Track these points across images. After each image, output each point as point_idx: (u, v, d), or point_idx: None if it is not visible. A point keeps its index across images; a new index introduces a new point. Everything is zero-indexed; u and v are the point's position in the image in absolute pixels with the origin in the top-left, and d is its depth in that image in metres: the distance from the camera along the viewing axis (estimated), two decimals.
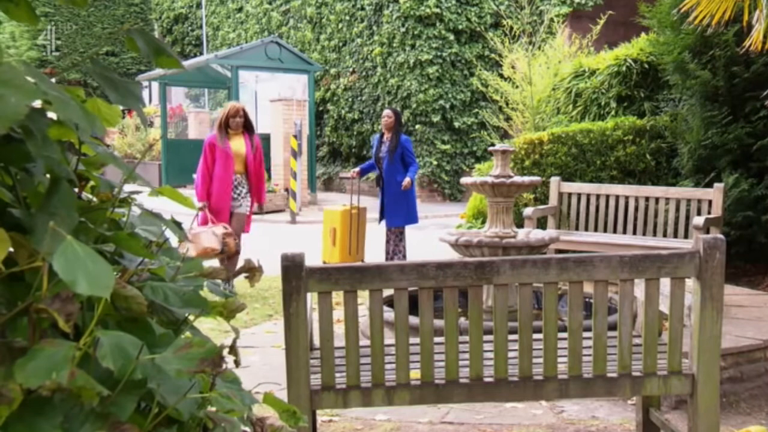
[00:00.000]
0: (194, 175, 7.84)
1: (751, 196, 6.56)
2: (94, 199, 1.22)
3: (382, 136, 8.38)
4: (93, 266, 0.83)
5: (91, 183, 1.23)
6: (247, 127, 7.16)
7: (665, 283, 2.92)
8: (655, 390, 2.94)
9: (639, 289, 3.04)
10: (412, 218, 8.46)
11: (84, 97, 1.19)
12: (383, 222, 8.47)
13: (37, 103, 1.02)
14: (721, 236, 2.84)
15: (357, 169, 8.79)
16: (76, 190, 1.13)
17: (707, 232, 6.03)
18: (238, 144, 7.05)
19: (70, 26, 27.03)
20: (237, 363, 1.26)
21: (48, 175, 1.04)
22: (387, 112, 8.29)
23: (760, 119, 6.59)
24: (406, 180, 8.08)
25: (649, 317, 2.88)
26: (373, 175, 9.15)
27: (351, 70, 18.31)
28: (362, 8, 17.63)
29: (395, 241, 8.50)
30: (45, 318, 0.91)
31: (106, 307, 0.96)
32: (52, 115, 1.07)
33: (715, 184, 6.41)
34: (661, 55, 7.44)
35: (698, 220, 6.00)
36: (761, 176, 6.66)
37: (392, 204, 8.26)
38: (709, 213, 6.31)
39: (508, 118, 11.30)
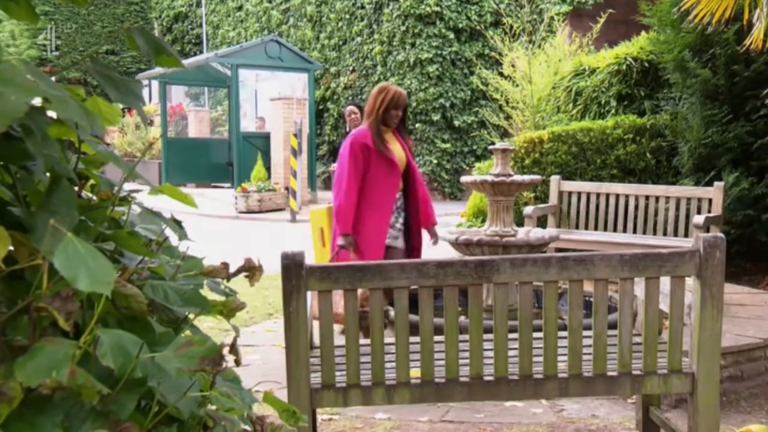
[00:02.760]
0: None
1: (752, 195, 6.56)
2: (94, 197, 1.22)
3: (347, 134, 8.01)
4: (94, 263, 0.83)
5: (91, 181, 1.23)
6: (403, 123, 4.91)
7: (665, 282, 2.92)
8: (656, 389, 2.94)
9: (639, 287, 3.04)
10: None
11: (84, 95, 1.19)
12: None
13: (37, 102, 1.02)
14: (721, 235, 2.84)
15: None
16: (76, 188, 1.13)
17: (707, 230, 6.03)
18: (397, 147, 4.80)
19: (70, 25, 27.03)
20: (237, 362, 1.26)
21: (48, 174, 1.04)
22: (351, 108, 7.70)
23: (760, 118, 6.59)
24: None
25: (650, 316, 2.88)
26: None
27: (351, 68, 18.31)
28: (362, 7, 17.63)
29: None
30: (45, 316, 0.91)
31: (106, 306, 0.96)
32: (51, 113, 1.07)
33: (716, 183, 6.40)
34: (661, 53, 7.44)
35: (698, 219, 6.00)
36: (761, 175, 6.66)
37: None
38: (709, 212, 6.31)
39: (508, 117, 11.29)
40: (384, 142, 4.66)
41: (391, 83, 5.21)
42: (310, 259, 7.73)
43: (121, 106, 1.24)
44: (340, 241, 4.64)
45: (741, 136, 6.64)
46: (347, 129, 7.84)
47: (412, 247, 4.87)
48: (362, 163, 4.60)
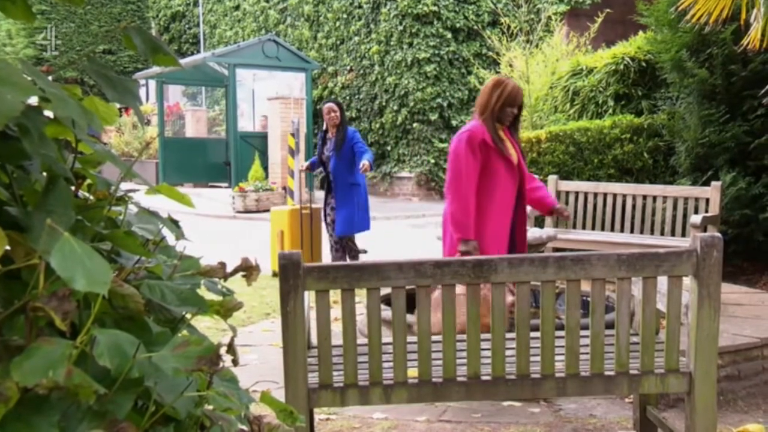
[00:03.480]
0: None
1: (749, 195, 6.56)
2: (91, 197, 1.22)
3: (325, 133, 7.50)
4: (90, 263, 0.83)
5: (88, 181, 1.22)
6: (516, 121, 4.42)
7: (663, 282, 2.92)
8: (653, 388, 2.94)
9: (636, 287, 3.04)
10: (364, 224, 7.36)
11: (81, 95, 1.19)
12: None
13: (34, 101, 1.02)
14: (718, 234, 2.84)
15: (307, 162, 7.94)
16: (73, 188, 1.13)
17: (705, 230, 6.04)
18: (510, 146, 4.34)
19: (67, 24, 26.99)
20: (235, 362, 1.26)
21: (45, 173, 1.04)
22: (331, 105, 7.24)
23: (757, 118, 6.60)
24: (365, 163, 6.99)
25: (647, 315, 2.88)
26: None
27: (348, 68, 18.30)
28: (360, 6, 17.62)
29: (342, 252, 7.37)
30: (42, 316, 0.91)
31: (102, 306, 0.96)
32: (48, 113, 1.06)
33: (713, 183, 6.41)
34: (658, 53, 7.44)
35: (696, 219, 6.00)
36: (759, 175, 6.66)
37: (342, 208, 7.27)
38: (706, 211, 6.31)
39: None
40: (502, 140, 4.25)
41: (506, 76, 4.62)
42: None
43: (118, 105, 1.24)
44: (461, 247, 4.09)
45: (738, 136, 6.64)
46: (324, 128, 7.48)
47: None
48: (480, 160, 4.14)
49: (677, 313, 2.87)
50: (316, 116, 18.33)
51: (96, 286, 0.82)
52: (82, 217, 1.09)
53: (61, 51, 25.97)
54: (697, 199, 6.47)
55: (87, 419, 0.90)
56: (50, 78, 1.11)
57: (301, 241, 7.56)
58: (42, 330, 0.93)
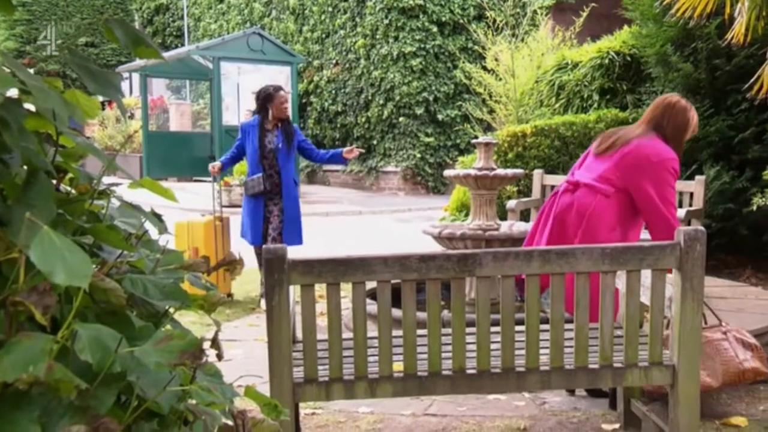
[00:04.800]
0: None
1: (733, 189, 6.61)
2: (73, 191, 1.21)
3: (262, 122, 6.24)
4: (70, 256, 0.82)
5: (70, 175, 1.21)
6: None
7: (646, 275, 2.94)
8: (636, 381, 2.96)
9: (620, 280, 3.05)
10: (300, 236, 6.25)
11: (62, 87, 1.17)
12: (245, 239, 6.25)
13: (14, 93, 1.00)
14: (701, 228, 2.86)
15: (218, 162, 6.38)
16: (55, 181, 1.12)
17: (689, 224, 6.07)
18: None
19: (48, 16, 26.74)
20: (219, 356, 1.26)
21: (25, 167, 1.02)
22: (285, 95, 6.37)
23: (741, 112, 6.64)
24: (354, 150, 6.32)
25: (631, 309, 2.90)
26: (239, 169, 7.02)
27: (334, 62, 18.26)
28: None
29: None
30: (22, 311, 0.90)
31: (84, 300, 0.95)
32: (29, 106, 1.05)
33: (697, 177, 6.44)
34: (643, 47, 7.47)
35: (680, 213, 6.02)
36: (742, 169, 6.71)
37: (291, 215, 6.15)
38: (690, 205, 6.35)
39: (491, 111, 11.30)
40: None
41: (686, 102, 4.06)
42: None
43: (100, 98, 1.23)
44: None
45: (722, 130, 6.68)
46: (269, 116, 6.20)
47: None
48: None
49: (661, 306, 2.89)
50: (301, 110, 18.30)
51: (76, 280, 0.81)
52: (63, 210, 1.08)
53: (42, 44, 25.74)
54: (681, 193, 6.50)
55: (68, 415, 0.89)
56: (32, 71, 1.10)
57: (216, 257, 5.95)
58: (22, 325, 0.92)
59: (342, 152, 6.35)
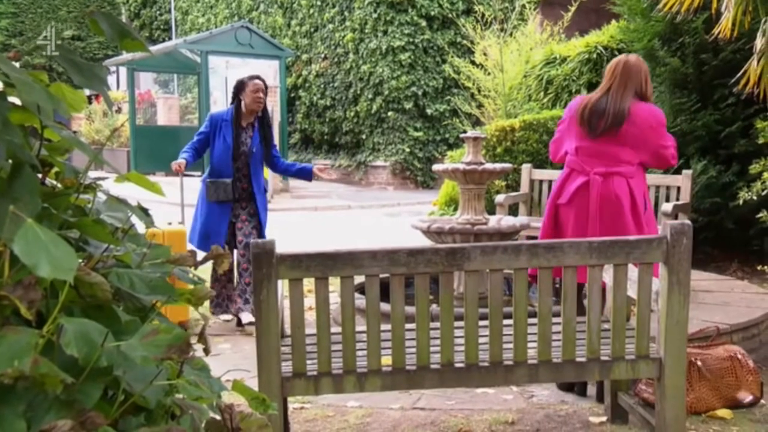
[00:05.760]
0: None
1: (719, 183, 6.65)
2: (59, 185, 1.20)
3: (236, 116, 5.36)
4: (55, 249, 0.82)
5: (56, 169, 1.21)
6: None
7: (633, 269, 2.95)
8: (623, 374, 2.98)
9: (607, 274, 3.07)
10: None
11: (47, 81, 1.16)
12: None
13: None
14: (688, 222, 2.87)
15: (182, 159, 5.45)
16: (40, 175, 1.11)
17: (676, 218, 6.10)
18: None
19: (34, 9, 26.55)
20: (206, 350, 1.25)
21: (9, 161, 1.02)
22: (259, 83, 5.33)
23: (728, 106, 6.67)
24: (327, 170, 5.79)
25: (618, 302, 2.91)
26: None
27: (323, 56, 18.22)
28: None
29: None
30: (7, 305, 0.89)
31: (70, 294, 0.95)
32: (14, 99, 1.04)
33: (684, 171, 6.47)
34: (631, 42, 7.49)
35: (666, 207, 6.06)
36: (729, 163, 6.74)
37: (264, 224, 5.42)
38: (677, 199, 6.37)
39: (480, 105, 11.31)
40: None
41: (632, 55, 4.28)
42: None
43: (87, 92, 1.22)
44: None
45: (709, 125, 6.72)
46: (243, 106, 5.34)
47: None
48: None
49: (647, 300, 2.90)
50: (290, 105, 18.24)
51: (61, 273, 0.81)
52: (48, 204, 1.08)
53: (28, 37, 25.56)
54: (668, 188, 6.53)
55: (54, 409, 0.88)
56: (17, 64, 1.09)
57: None
58: (7, 319, 0.91)
59: (312, 169, 5.60)
